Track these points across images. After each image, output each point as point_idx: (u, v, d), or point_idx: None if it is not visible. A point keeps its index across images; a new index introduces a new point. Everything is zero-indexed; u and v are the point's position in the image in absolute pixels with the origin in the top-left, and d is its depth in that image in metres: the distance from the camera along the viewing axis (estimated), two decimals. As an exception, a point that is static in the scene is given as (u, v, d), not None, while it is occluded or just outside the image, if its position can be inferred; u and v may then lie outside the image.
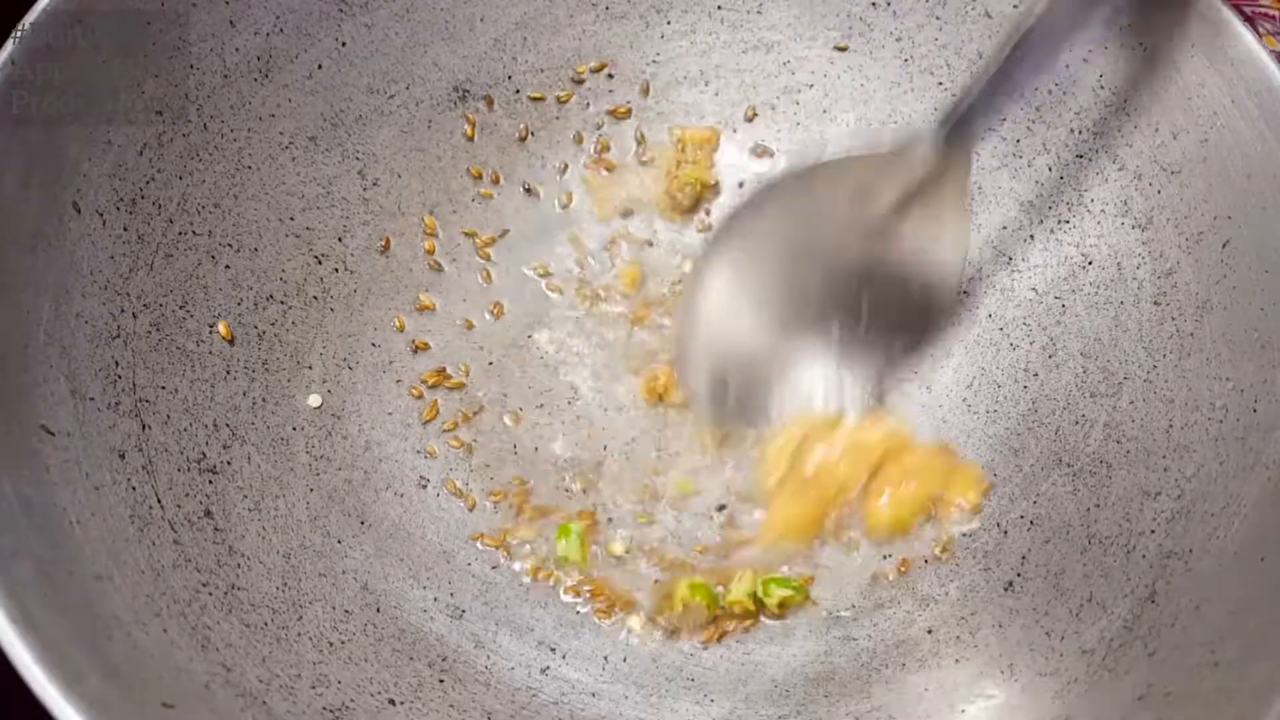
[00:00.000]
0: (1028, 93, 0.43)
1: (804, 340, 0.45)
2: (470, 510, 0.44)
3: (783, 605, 0.42)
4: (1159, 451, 0.40)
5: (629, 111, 0.49)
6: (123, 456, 0.37)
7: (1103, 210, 0.44)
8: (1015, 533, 0.42)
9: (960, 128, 0.40)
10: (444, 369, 0.46)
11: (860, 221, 0.43)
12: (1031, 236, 0.46)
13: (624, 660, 0.42)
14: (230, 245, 0.43)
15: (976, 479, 0.44)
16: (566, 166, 0.49)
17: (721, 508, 0.45)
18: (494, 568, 0.43)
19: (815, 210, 0.44)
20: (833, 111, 0.49)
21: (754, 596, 0.42)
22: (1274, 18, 0.49)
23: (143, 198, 0.40)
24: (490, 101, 0.48)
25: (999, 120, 0.41)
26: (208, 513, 0.39)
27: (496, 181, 0.49)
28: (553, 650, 0.42)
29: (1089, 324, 0.44)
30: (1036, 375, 0.45)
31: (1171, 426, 0.40)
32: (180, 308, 0.41)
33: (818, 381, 0.45)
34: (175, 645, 0.34)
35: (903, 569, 0.43)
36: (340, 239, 0.46)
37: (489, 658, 0.41)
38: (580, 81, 0.49)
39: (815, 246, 0.44)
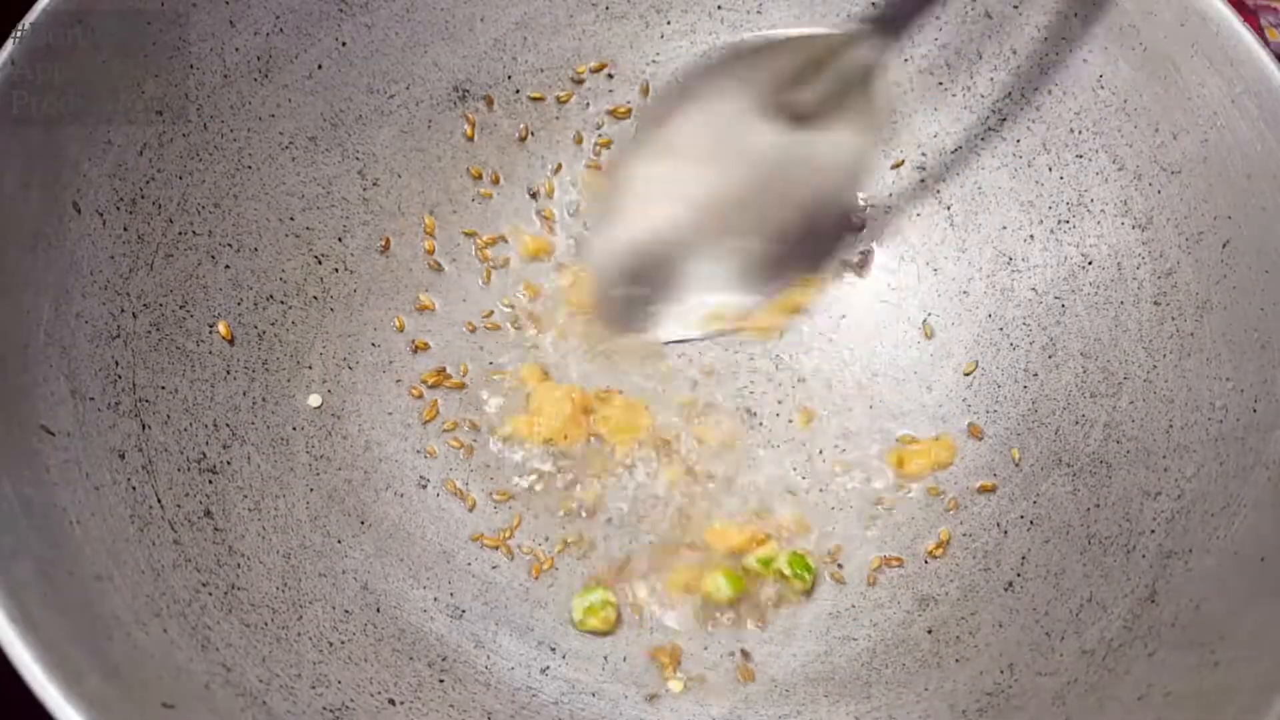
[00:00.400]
0: None
1: (715, 234, 0.45)
2: (470, 510, 0.44)
3: (780, 576, 0.42)
4: (1159, 451, 0.40)
5: (629, 111, 0.49)
6: (123, 456, 0.37)
7: (1103, 210, 0.44)
8: (1015, 533, 0.42)
9: (889, 19, 0.40)
10: (444, 369, 0.46)
11: (777, 108, 0.43)
12: (1031, 236, 0.46)
13: (624, 660, 0.42)
14: (230, 245, 0.43)
15: (942, 458, 0.45)
16: (560, 167, 0.49)
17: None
18: (494, 568, 0.43)
19: (735, 96, 0.43)
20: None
21: (770, 564, 0.42)
22: (1277, 10, 0.49)
23: (143, 198, 0.40)
24: (490, 101, 0.48)
25: (927, 14, 0.40)
26: (208, 513, 0.39)
27: (496, 181, 0.49)
28: (553, 650, 0.42)
29: (1089, 324, 0.44)
30: (1036, 375, 0.45)
31: (1171, 426, 0.40)
32: (180, 308, 0.41)
33: (721, 279, 0.45)
34: (175, 645, 0.34)
35: (894, 563, 0.43)
36: (340, 239, 0.46)
37: (489, 658, 0.41)
38: (580, 81, 0.49)
39: (732, 136, 0.44)
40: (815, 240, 0.46)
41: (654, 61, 0.49)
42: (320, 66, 0.45)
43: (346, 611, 0.40)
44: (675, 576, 0.43)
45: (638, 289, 0.46)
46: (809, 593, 0.43)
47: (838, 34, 0.42)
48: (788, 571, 0.42)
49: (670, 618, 0.42)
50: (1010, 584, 0.41)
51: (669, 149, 0.44)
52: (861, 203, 0.47)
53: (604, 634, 0.42)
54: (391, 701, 0.38)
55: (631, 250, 0.46)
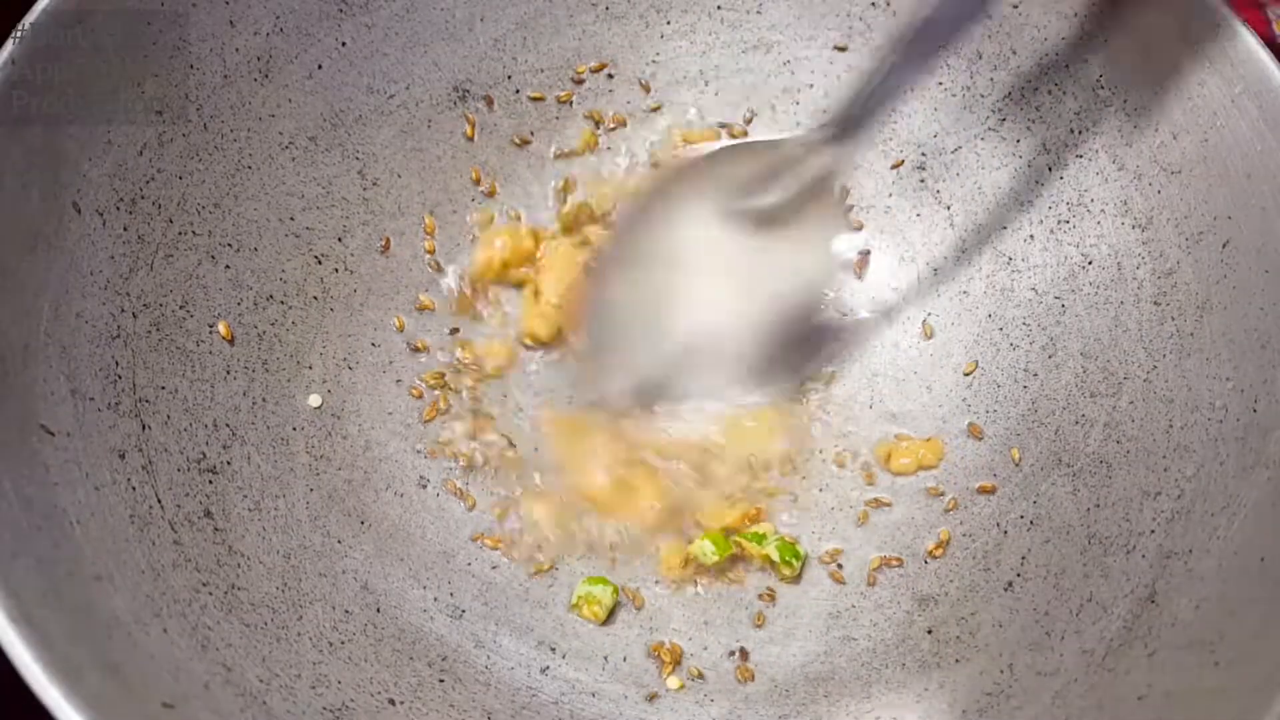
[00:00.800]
0: (908, 89, 0.42)
1: (700, 345, 0.45)
2: (470, 510, 0.44)
3: (769, 562, 0.43)
4: (1159, 451, 0.40)
5: (624, 121, 0.49)
6: (123, 456, 0.37)
7: (1103, 210, 0.44)
8: (1015, 533, 0.42)
9: (848, 127, 0.41)
10: (444, 370, 0.46)
11: (739, 215, 0.44)
12: (1031, 236, 0.46)
13: (624, 660, 0.42)
14: (230, 245, 0.43)
15: (928, 459, 0.45)
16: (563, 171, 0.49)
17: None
18: (494, 568, 0.43)
19: (698, 204, 0.44)
20: (832, 111, 0.48)
21: (762, 540, 0.43)
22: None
23: (143, 198, 0.40)
24: (490, 101, 0.48)
25: (883, 121, 0.41)
26: (208, 513, 0.39)
27: (496, 182, 0.49)
28: (553, 650, 0.42)
29: (1089, 324, 0.44)
30: (1036, 375, 0.45)
31: (1171, 426, 0.40)
32: (180, 308, 0.41)
33: (713, 386, 0.46)
34: (175, 645, 0.34)
35: (894, 563, 0.43)
36: (340, 239, 0.46)
37: (489, 658, 0.41)
38: (580, 81, 0.49)
39: (700, 245, 0.45)
40: (790, 342, 0.47)
41: (654, 61, 0.49)
42: (320, 66, 0.45)
43: (346, 611, 0.40)
44: (668, 555, 0.43)
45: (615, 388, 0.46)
46: (797, 579, 0.43)
47: (795, 140, 0.43)
48: (776, 557, 0.42)
49: (664, 596, 0.43)
50: (1010, 584, 0.41)
51: (642, 262, 0.45)
52: (827, 298, 0.48)
53: (599, 623, 0.42)
54: (391, 701, 0.38)
55: (629, 373, 0.46)
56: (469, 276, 0.47)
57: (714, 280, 0.45)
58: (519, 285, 0.47)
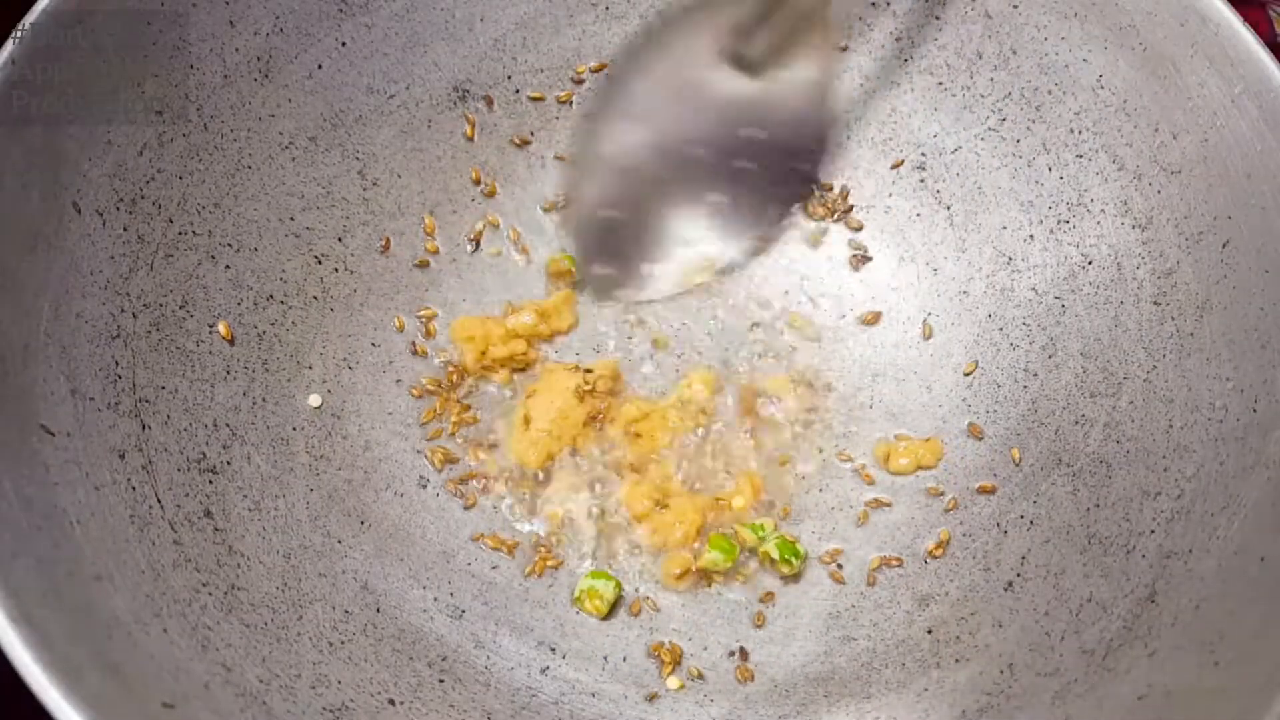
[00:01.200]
0: None
1: (688, 189, 0.46)
2: (470, 510, 0.44)
3: (769, 559, 0.43)
4: (1159, 451, 0.40)
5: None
6: (123, 456, 0.37)
7: (1103, 210, 0.44)
8: (1015, 533, 0.42)
9: None
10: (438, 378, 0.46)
11: (732, 59, 0.44)
12: (1031, 236, 0.46)
13: (624, 660, 0.42)
14: (230, 245, 0.43)
15: (926, 459, 0.45)
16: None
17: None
18: (494, 568, 0.43)
19: (692, 51, 0.45)
20: (832, 111, 0.49)
21: (757, 533, 0.43)
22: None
23: (143, 198, 0.40)
24: (490, 101, 0.48)
25: None
26: (208, 513, 0.39)
27: (496, 182, 0.49)
28: (553, 650, 0.42)
29: (1089, 324, 0.44)
30: (1036, 375, 0.45)
31: (1171, 426, 0.40)
32: (180, 308, 0.41)
33: (702, 231, 0.47)
34: (175, 645, 0.34)
35: (894, 563, 0.43)
36: (340, 239, 0.46)
37: (489, 658, 0.41)
38: (580, 81, 0.49)
39: (694, 91, 0.45)
40: (784, 182, 0.48)
41: (654, 61, 0.49)
42: (320, 66, 0.45)
43: (346, 611, 0.40)
44: (670, 564, 0.43)
45: (610, 269, 0.48)
46: (797, 578, 0.43)
47: None
48: (776, 555, 0.42)
49: (666, 603, 0.43)
50: (1010, 584, 0.41)
51: (635, 109, 0.46)
52: (824, 140, 0.48)
53: (600, 617, 0.42)
54: (391, 701, 0.38)
55: (609, 215, 0.47)
56: (459, 367, 0.46)
57: (701, 126, 0.45)
58: (517, 370, 0.47)
